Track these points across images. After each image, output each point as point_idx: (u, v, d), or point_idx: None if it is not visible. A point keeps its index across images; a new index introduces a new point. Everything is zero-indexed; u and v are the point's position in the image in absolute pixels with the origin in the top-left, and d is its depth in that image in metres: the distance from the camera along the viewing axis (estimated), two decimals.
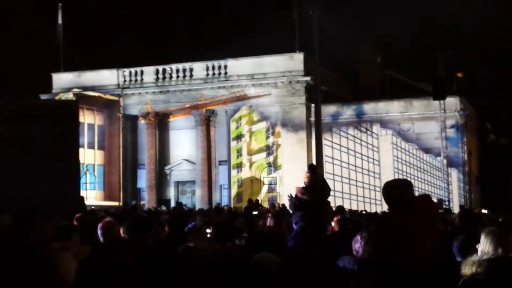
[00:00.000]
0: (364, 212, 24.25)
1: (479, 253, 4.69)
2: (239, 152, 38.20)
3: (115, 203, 37.36)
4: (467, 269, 4.49)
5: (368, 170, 34.50)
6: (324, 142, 31.54)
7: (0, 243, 6.40)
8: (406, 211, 5.36)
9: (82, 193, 25.95)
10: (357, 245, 5.96)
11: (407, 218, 5.28)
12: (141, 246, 5.72)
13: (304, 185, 9.46)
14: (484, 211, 26.50)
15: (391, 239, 5.25)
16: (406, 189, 5.65)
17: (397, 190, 5.61)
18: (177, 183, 41.30)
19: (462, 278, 4.50)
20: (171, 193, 40.84)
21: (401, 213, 5.40)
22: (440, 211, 20.08)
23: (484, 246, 4.69)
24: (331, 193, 11.02)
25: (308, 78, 36.02)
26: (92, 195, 38.17)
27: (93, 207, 26.09)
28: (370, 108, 37.09)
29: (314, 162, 30.71)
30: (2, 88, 36.28)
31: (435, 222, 6.14)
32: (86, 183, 37.98)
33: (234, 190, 38.00)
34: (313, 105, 33.77)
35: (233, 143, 38.34)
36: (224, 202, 37.69)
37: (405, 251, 5.13)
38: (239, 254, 6.20)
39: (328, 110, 36.24)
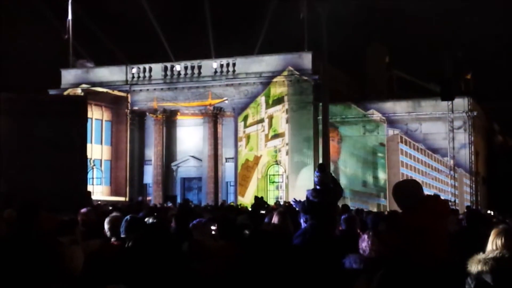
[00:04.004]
0: (370, 212, 24.20)
1: (487, 250, 4.68)
2: (246, 150, 38.23)
3: (121, 199, 37.47)
4: (473, 267, 4.47)
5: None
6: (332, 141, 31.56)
7: (7, 236, 6.45)
8: (420, 211, 5.35)
9: (89, 188, 26.04)
10: (364, 244, 5.96)
11: (421, 218, 5.28)
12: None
13: (314, 186, 9.34)
14: (489, 211, 26.37)
15: (405, 239, 5.26)
16: (419, 190, 5.66)
17: (410, 190, 5.61)
18: (184, 180, 41.39)
19: (468, 276, 4.49)
20: (177, 189, 40.92)
21: (414, 213, 5.40)
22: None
23: (493, 244, 4.68)
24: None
25: (316, 77, 35.98)
26: (98, 190, 38.30)
27: (99, 202, 26.24)
28: (377, 107, 37.02)
29: (320, 161, 30.73)
30: (12, 83, 36.39)
31: (446, 222, 6.13)
32: (93, 178, 38.11)
33: (240, 187, 38.02)
34: (320, 104, 33.76)
35: (240, 141, 38.38)
36: (230, 199, 37.74)
37: (418, 250, 5.14)
38: (243, 250, 6.21)
39: (336, 109, 36.22)
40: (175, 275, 4.91)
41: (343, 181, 36.25)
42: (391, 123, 36.34)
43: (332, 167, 36.04)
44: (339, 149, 37.07)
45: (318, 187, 9.17)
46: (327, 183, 9.25)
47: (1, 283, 3.87)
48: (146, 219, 7.85)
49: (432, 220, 5.31)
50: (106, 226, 6.54)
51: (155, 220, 7.91)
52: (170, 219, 9.86)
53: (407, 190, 5.66)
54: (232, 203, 32.41)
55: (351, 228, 9.16)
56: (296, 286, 5.66)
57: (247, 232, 7.35)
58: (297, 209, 9.27)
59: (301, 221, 8.96)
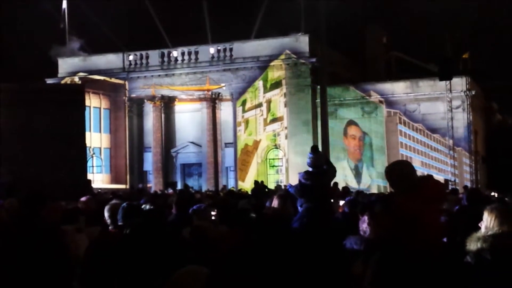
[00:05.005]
0: (370, 193, 24.23)
1: (482, 229, 4.69)
2: (245, 134, 38.23)
3: (122, 186, 37.50)
4: (472, 245, 4.48)
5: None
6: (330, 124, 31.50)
7: (10, 225, 6.46)
8: (414, 193, 5.28)
9: (89, 176, 26.06)
10: (364, 225, 5.97)
11: (414, 201, 5.22)
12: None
13: (307, 168, 9.32)
14: (492, 193, 26.29)
15: (396, 222, 5.22)
16: (411, 171, 5.58)
17: (405, 172, 5.54)
18: (183, 166, 41.41)
19: (467, 254, 4.50)
20: (178, 175, 40.96)
21: (407, 195, 5.33)
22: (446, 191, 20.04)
23: (488, 223, 4.69)
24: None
25: (314, 60, 35.90)
26: (99, 178, 38.33)
27: (99, 190, 26.27)
28: (376, 89, 36.97)
29: (320, 144, 30.72)
30: (8, 72, 36.29)
31: (441, 204, 6.09)
32: (92, 166, 38.12)
33: (240, 172, 38.06)
34: (318, 86, 33.69)
35: (239, 126, 38.37)
36: (231, 184, 37.78)
37: (410, 234, 5.11)
38: (244, 235, 6.22)
39: (334, 91, 36.15)
40: (173, 261, 4.92)
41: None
42: (390, 104, 36.32)
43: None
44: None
45: (310, 169, 9.16)
46: (320, 165, 9.22)
47: (11, 273, 3.88)
48: (143, 206, 7.85)
49: (425, 204, 5.24)
50: (106, 214, 6.55)
51: (152, 207, 7.92)
52: (170, 205, 9.91)
53: (398, 172, 5.58)
54: (232, 188, 32.45)
55: (353, 210, 9.17)
56: (295, 269, 5.67)
57: (253, 215, 7.34)
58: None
59: (298, 206, 8.96)
